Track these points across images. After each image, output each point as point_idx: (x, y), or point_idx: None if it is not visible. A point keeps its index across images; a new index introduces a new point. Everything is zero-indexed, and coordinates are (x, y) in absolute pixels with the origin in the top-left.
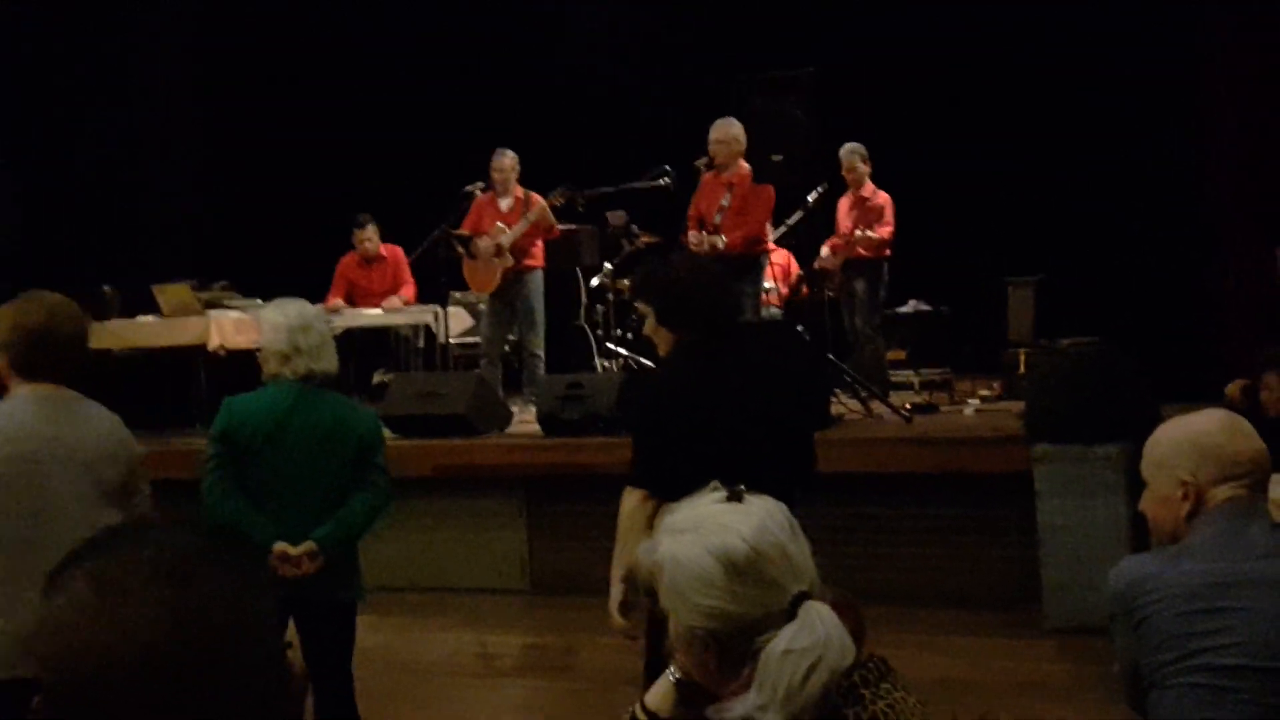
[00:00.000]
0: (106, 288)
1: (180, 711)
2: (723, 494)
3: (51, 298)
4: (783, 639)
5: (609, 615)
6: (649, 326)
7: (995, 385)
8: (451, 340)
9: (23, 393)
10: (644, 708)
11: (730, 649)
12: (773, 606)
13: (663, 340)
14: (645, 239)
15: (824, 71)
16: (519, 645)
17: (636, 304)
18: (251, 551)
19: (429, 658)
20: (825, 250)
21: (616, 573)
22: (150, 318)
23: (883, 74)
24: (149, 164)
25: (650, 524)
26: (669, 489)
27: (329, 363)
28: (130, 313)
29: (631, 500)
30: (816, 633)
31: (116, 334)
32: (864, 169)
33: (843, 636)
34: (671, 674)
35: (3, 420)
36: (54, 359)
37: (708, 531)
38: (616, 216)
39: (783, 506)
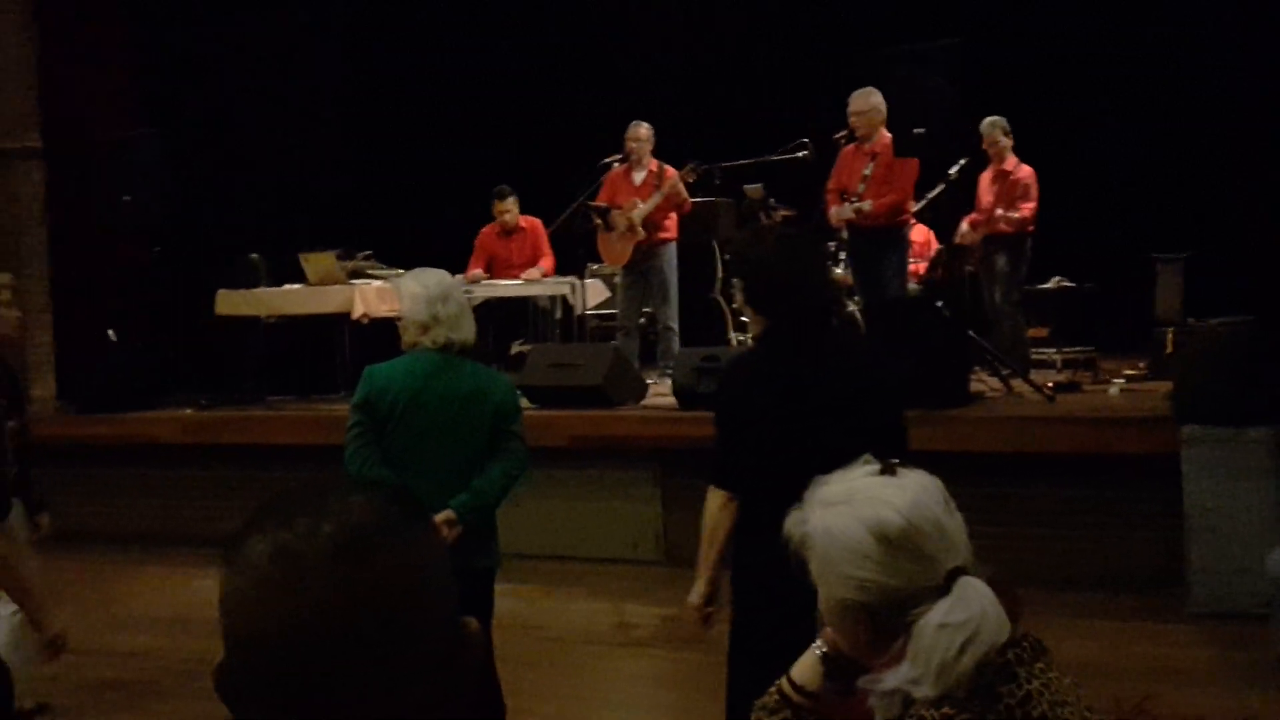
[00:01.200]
0: (255, 256)
1: (358, 682)
2: (875, 466)
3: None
4: (937, 613)
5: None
6: (739, 302)
7: (1141, 365)
8: (588, 312)
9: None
10: (790, 681)
11: (882, 622)
12: (926, 580)
13: (751, 319)
14: (782, 212)
15: (968, 42)
16: (655, 616)
17: (733, 278)
18: (427, 519)
19: (566, 626)
20: (965, 225)
21: (704, 572)
22: (296, 286)
23: (1028, 45)
24: (297, 135)
25: (733, 527)
26: (749, 489)
27: (467, 332)
28: (277, 281)
29: (715, 502)
30: (972, 608)
31: (264, 301)
32: (1006, 142)
33: (998, 612)
34: (818, 648)
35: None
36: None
37: (861, 504)
38: (754, 189)
39: (937, 480)
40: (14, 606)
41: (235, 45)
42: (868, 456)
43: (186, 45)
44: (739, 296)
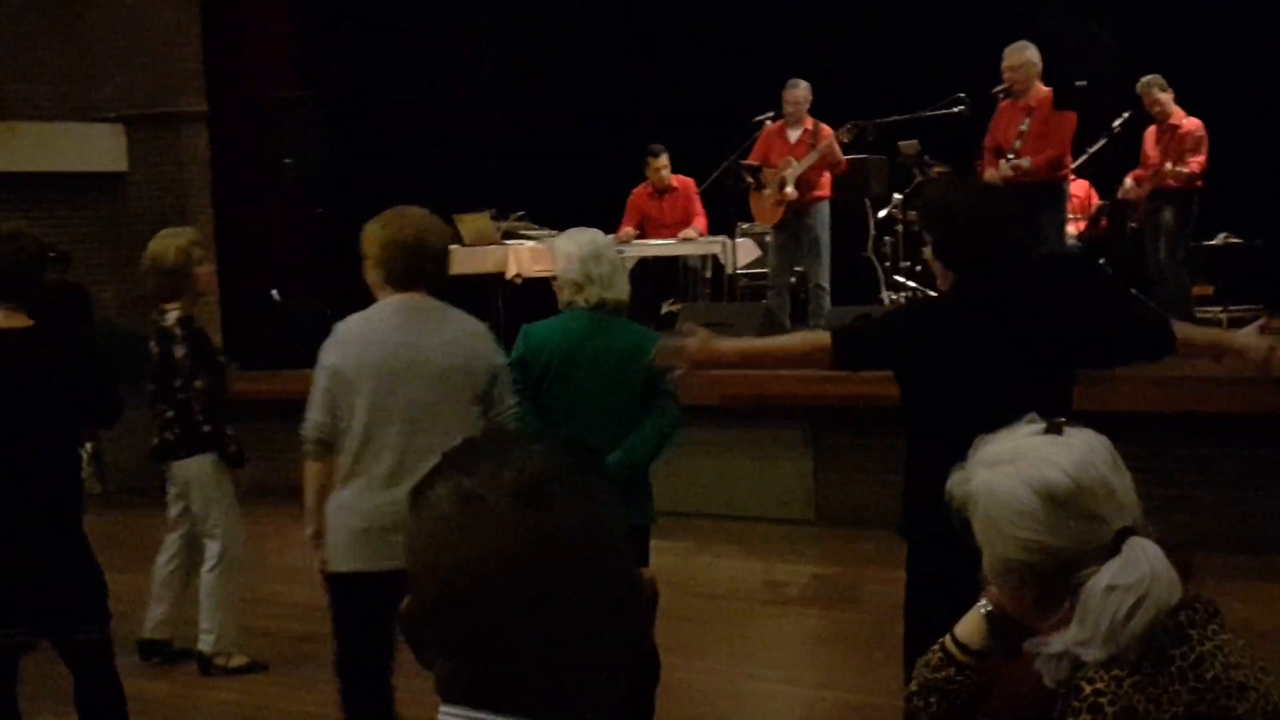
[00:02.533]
0: None
1: (536, 625)
2: (1040, 426)
3: (418, 212)
4: (1106, 574)
5: None
6: (928, 253)
7: None
8: (739, 271)
9: (388, 301)
10: (955, 640)
11: (1048, 583)
12: (1094, 541)
13: (938, 272)
14: (938, 169)
15: None
16: (805, 575)
17: (923, 231)
18: (603, 470)
19: (717, 584)
20: (1129, 181)
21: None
22: (451, 246)
23: None
24: (453, 96)
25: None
26: (926, 441)
27: (620, 291)
28: None
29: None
30: (1141, 569)
31: None
32: (1165, 98)
33: (1169, 574)
34: (983, 607)
35: (362, 327)
36: (424, 270)
37: (1026, 464)
38: (908, 145)
39: (1105, 439)
40: (168, 555)
41: (391, 5)
42: (1033, 415)
43: (344, 6)
44: (926, 250)
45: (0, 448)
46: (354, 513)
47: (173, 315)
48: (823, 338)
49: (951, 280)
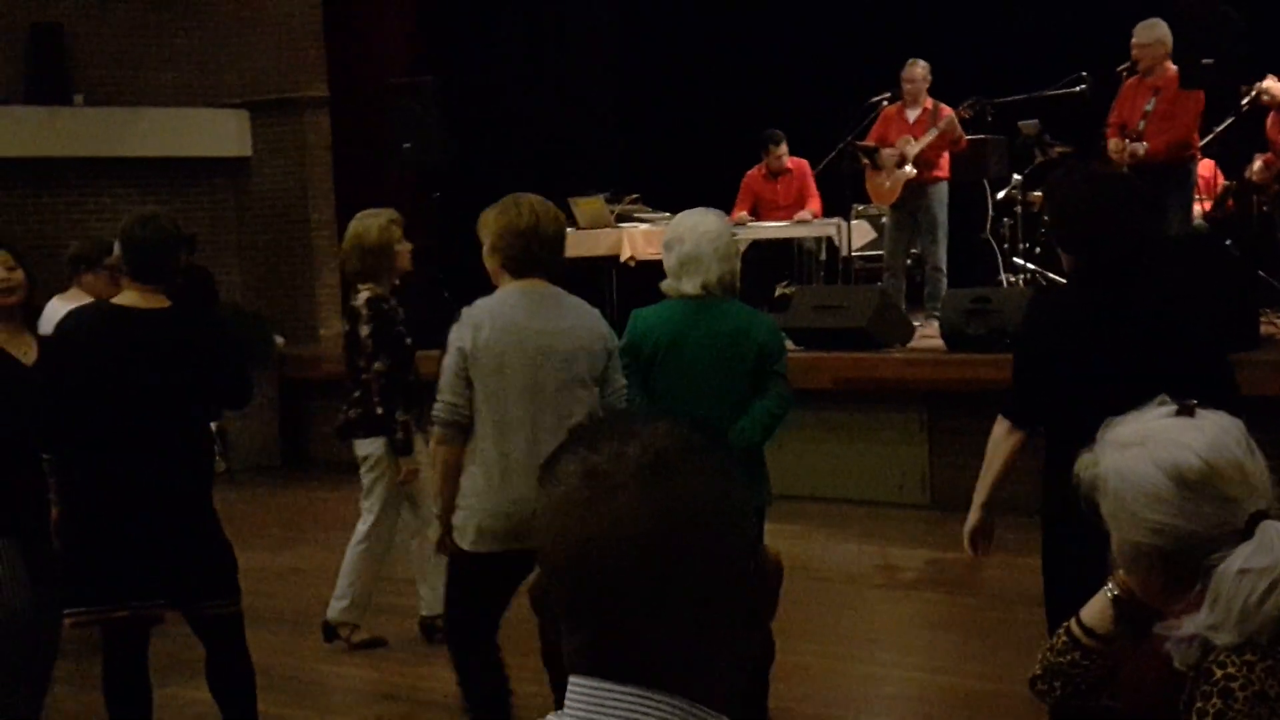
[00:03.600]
0: None
1: (663, 599)
2: (1171, 408)
3: (534, 200)
4: (1238, 557)
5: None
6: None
7: None
8: (854, 253)
9: (511, 288)
10: (1080, 623)
11: (1178, 566)
12: (1226, 525)
13: (1064, 260)
14: (1058, 149)
15: None
16: (920, 559)
17: (1045, 216)
18: (728, 448)
19: (832, 567)
20: (1258, 162)
21: (978, 499)
22: (566, 230)
23: None
24: (568, 80)
25: (1013, 456)
26: (1037, 424)
27: (720, 275)
28: None
29: (1000, 429)
30: (1275, 553)
31: None
32: (1268, 84)
33: None
34: (1109, 590)
35: (490, 314)
36: (539, 258)
37: (1157, 446)
38: (1029, 125)
39: (1238, 422)
40: (362, 539)
41: None
42: (1163, 397)
43: None
44: (1051, 235)
45: (137, 424)
46: (486, 495)
47: (363, 295)
48: (1003, 426)
49: (1071, 264)
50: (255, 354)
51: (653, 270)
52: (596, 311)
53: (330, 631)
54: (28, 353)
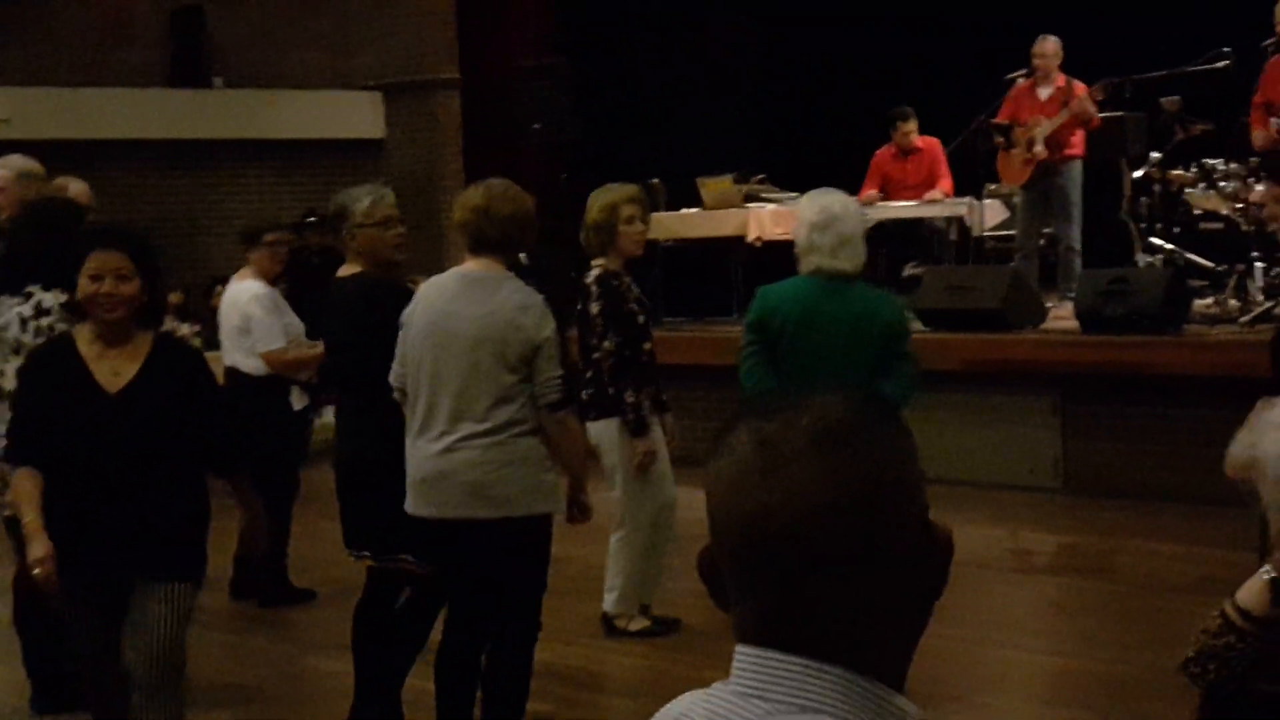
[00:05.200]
0: (655, 181)
1: (835, 570)
2: None
3: (496, 181)
4: None
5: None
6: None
7: None
8: (985, 233)
9: (455, 268)
10: (1236, 606)
11: None
12: None
13: None
14: (1200, 127)
15: None
16: (1054, 544)
17: (1268, 185)
18: (900, 421)
19: (963, 551)
20: None
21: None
22: (693, 210)
23: None
24: (696, 61)
25: None
26: None
27: (845, 261)
28: (675, 205)
29: None
30: None
31: (663, 225)
32: None
33: None
34: (1267, 573)
35: (424, 291)
36: (490, 237)
37: None
38: (1171, 102)
39: None
40: (619, 526)
41: None
42: None
43: None
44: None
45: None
46: (409, 461)
47: (594, 272)
48: None
49: None
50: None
51: (780, 251)
52: (536, 300)
53: (608, 623)
54: (122, 371)
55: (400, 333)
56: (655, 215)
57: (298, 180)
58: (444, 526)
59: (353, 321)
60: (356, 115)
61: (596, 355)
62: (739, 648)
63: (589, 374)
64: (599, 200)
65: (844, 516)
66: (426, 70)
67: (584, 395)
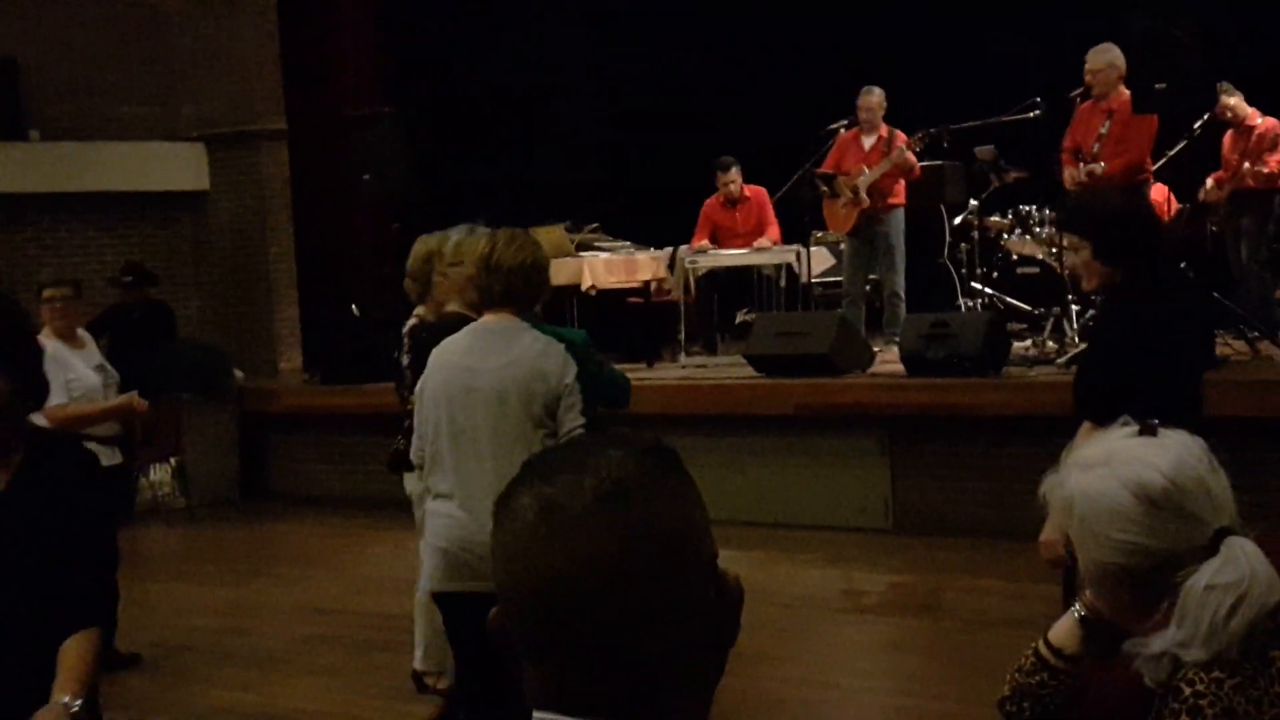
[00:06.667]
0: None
1: (625, 629)
2: (1134, 428)
3: (505, 231)
4: (1204, 574)
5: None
6: (1080, 260)
7: None
8: (813, 280)
9: (472, 324)
10: (1048, 644)
11: (1146, 585)
12: (1192, 541)
13: (1095, 274)
14: (1014, 175)
15: None
16: (884, 583)
17: (1066, 237)
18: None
19: (795, 591)
20: (1209, 183)
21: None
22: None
23: None
24: (527, 110)
25: None
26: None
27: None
28: None
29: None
30: (1241, 568)
31: None
32: (1234, 101)
33: (1269, 573)
34: (1076, 611)
35: (440, 350)
36: (495, 290)
37: (1121, 465)
38: (985, 151)
39: (1200, 440)
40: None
41: (472, 23)
42: (1126, 418)
43: (425, 25)
44: (1082, 254)
45: None
46: (434, 533)
47: (409, 322)
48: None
49: (1118, 276)
50: (214, 388)
51: (613, 298)
52: (557, 347)
53: (417, 679)
54: None
55: (415, 404)
56: None
57: (119, 234)
58: (464, 598)
59: None
60: (179, 167)
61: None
62: (535, 713)
63: (408, 423)
64: (422, 248)
65: (631, 576)
66: (251, 120)
67: (402, 445)
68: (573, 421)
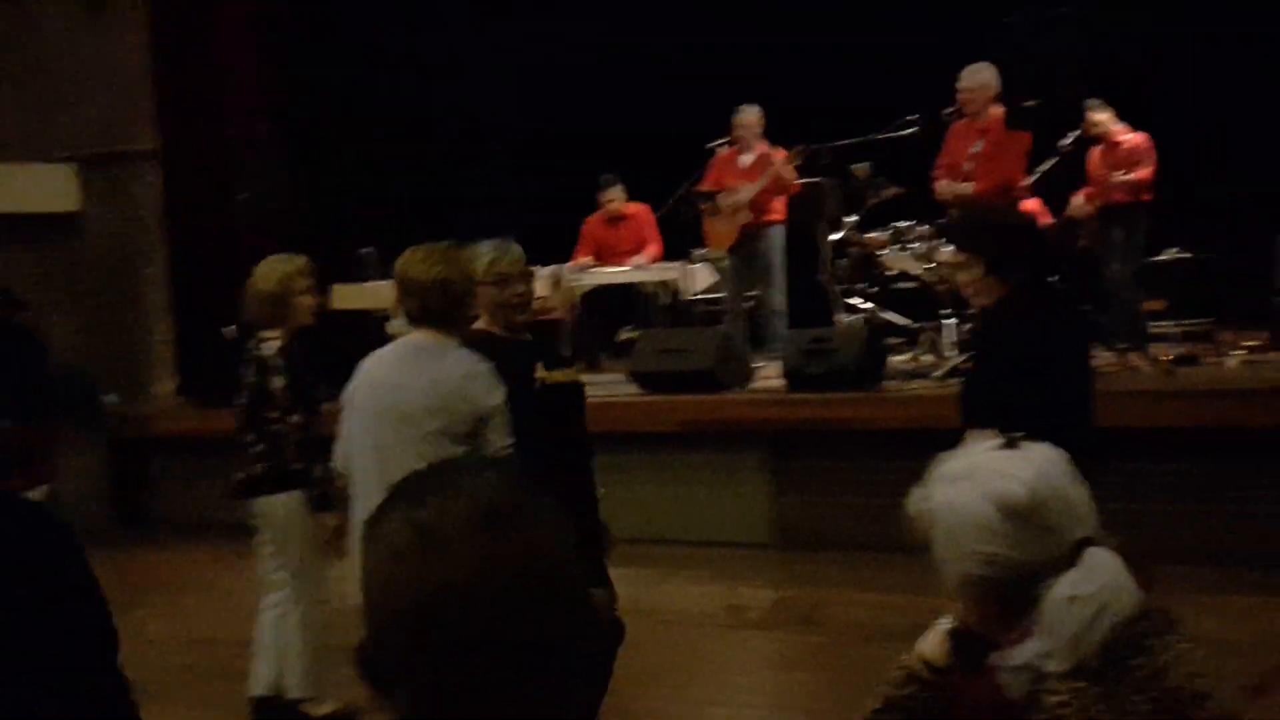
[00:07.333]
0: (369, 250)
1: (496, 653)
2: (998, 440)
3: (425, 247)
4: (1065, 585)
5: None
6: (972, 276)
7: (1262, 336)
8: (695, 297)
9: (401, 339)
10: (917, 657)
11: (1010, 596)
12: (1054, 553)
13: (987, 290)
14: (890, 191)
15: (1086, 9)
16: (768, 598)
17: (958, 255)
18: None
19: (679, 608)
20: (1079, 199)
21: None
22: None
23: (1147, 9)
24: (406, 130)
25: None
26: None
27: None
28: (389, 275)
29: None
30: (1101, 579)
31: (379, 295)
32: (1103, 117)
33: (1129, 584)
34: (945, 623)
35: (365, 365)
36: (411, 306)
37: (984, 478)
38: (861, 168)
39: (1062, 452)
40: (276, 598)
41: (352, 41)
42: (991, 431)
43: (306, 41)
44: (973, 271)
45: None
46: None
47: (273, 344)
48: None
49: (1006, 289)
50: (83, 414)
51: None
52: (484, 368)
53: (274, 709)
54: None
55: (342, 412)
56: (371, 285)
57: None
58: None
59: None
60: (49, 188)
61: (277, 428)
62: None
63: (260, 448)
64: (274, 271)
65: (503, 600)
66: (125, 140)
67: (257, 470)
68: (499, 442)
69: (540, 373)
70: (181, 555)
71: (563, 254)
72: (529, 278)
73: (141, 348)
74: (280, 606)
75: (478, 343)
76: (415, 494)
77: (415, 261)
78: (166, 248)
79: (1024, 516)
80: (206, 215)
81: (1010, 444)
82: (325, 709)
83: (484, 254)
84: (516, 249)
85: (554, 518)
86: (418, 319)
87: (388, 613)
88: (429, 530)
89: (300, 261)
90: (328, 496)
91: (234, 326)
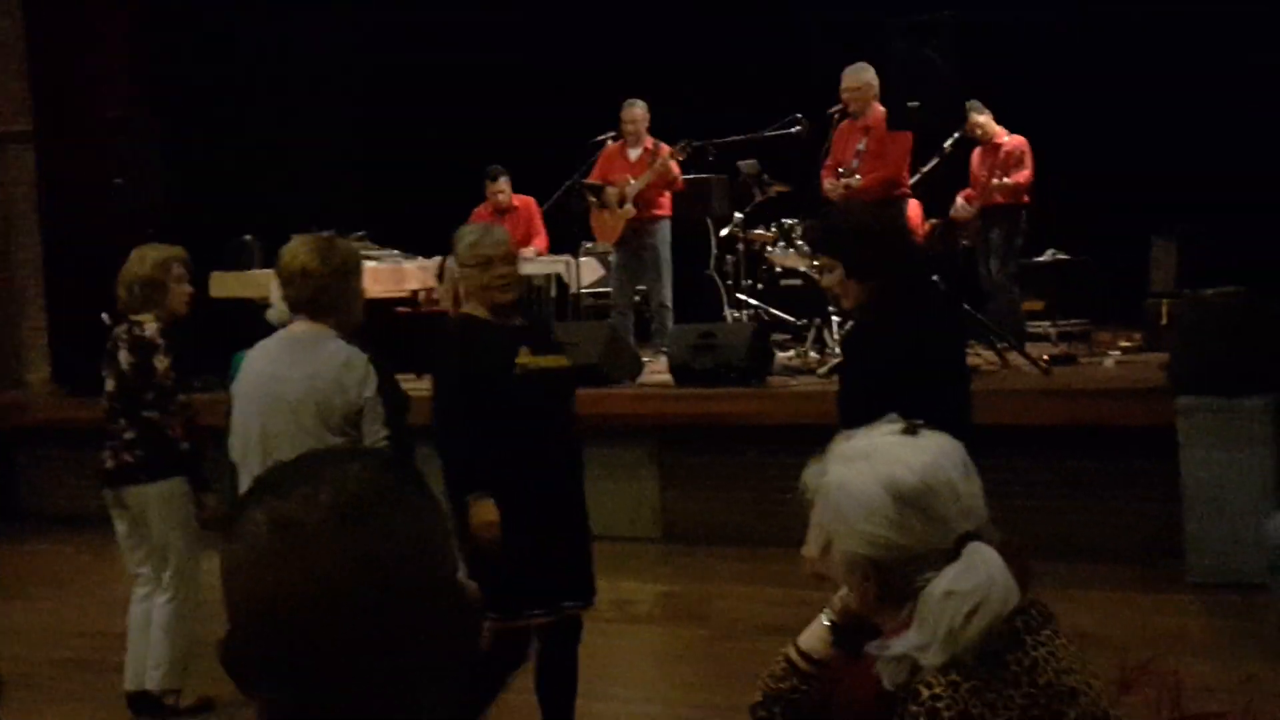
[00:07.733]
0: (248, 238)
1: (363, 647)
2: (899, 426)
3: (296, 237)
4: (944, 579)
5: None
6: (834, 279)
7: (1136, 336)
8: (583, 290)
9: (281, 331)
10: (798, 649)
11: (891, 581)
12: (937, 543)
13: (849, 292)
14: (777, 188)
15: (964, 16)
16: (653, 593)
17: (818, 258)
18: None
19: None
20: (960, 200)
21: None
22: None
23: (1024, 17)
24: (291, 116)
25: None
26: None
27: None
28: (270, 264)
29: None
30: (979, 575)
31: (258, 283)
32: (983, 119)
33: (1007, 580)
34: (826, 617)
35: (250, 355)
36: (288, 296)
37: (879, 460)
38: (748, 165)
39: (959, 445)
40: (169, 594)
41: (231, 25)
42: (893, 415)
43: (183, 25)
44: (834, 274)
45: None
46: None
47: (153, 326)
48: None
49: (870, 291)
50: None
51: (381, 308)
52: (360, 359)
53: (153, 704)
54: None
55: (234, 403)
56: (250, 273)
57: None
58: None
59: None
60: None
61: (157, 412)
62: None
63: (132, 434)
64: (149, 256)
65: (368, 593)
66: None
67: (131, 456)
68: (375, 434)
69: (522, 358)
70: (53, 548)
71: (449, 245)
72: (512, 260)
73: (13, 335)
74: (151, 599)
75: (460, 327)
76: (277, 486)
77: (297, 252)
78: (39, 233)
79: (912, 503)
80: (82, 201)
81: (911, 430)
82: (188, 700)
83: (466, 236)
84: (499, 230)
85: (422, 509)
86: (297, 309)
87: (246, 608)
88: (288, 524)
89: (176, 249)
90: (209, 482)
91: (106, 314)
